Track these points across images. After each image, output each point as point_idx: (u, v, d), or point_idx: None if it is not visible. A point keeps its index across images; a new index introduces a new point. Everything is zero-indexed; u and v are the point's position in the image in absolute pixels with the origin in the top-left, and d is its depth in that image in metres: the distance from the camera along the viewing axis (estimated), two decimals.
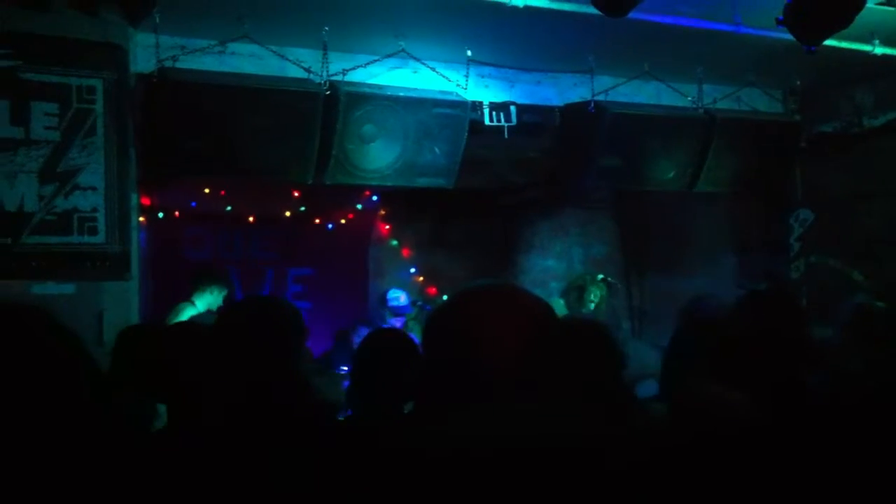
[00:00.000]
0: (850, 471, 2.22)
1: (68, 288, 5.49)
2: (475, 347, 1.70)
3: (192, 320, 6.48)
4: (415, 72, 6.67)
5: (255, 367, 2.44)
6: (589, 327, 3.35)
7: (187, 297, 7.12)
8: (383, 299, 8.10)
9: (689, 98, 7.45)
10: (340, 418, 3.66)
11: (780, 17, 5.13)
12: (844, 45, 6.33)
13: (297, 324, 2.71)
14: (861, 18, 5.14)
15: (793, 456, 2.11)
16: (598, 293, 7.64)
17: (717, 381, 2.25)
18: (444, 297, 9.38)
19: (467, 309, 1.78)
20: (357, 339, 7.85)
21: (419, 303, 8.79)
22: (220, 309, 6.94)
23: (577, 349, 2.34)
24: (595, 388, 2.22)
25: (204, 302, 7.14)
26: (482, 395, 1.65)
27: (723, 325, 2.54)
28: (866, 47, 6.64)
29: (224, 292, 7.31)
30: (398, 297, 7.98)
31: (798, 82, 7.90)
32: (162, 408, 4.19)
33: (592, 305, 7.58)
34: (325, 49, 6.05)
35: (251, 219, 8.80)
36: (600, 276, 8.42)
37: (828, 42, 5.49)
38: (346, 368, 6.78)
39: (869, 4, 5.44)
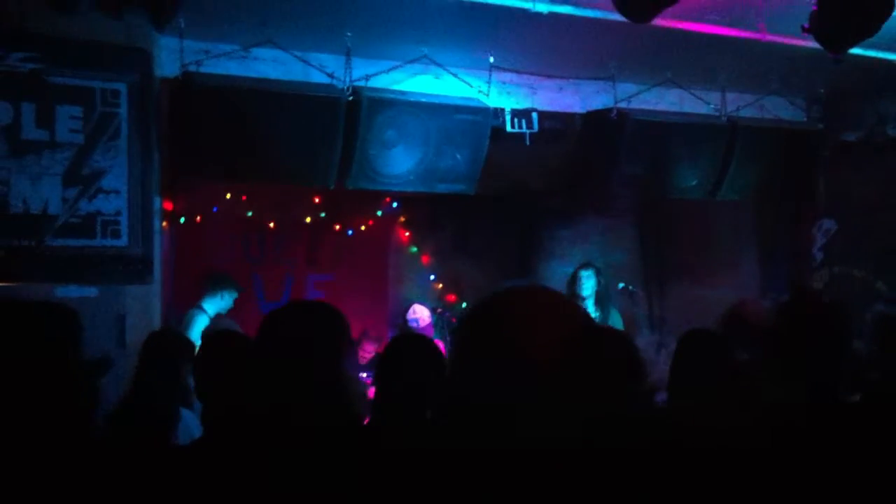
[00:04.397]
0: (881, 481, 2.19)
1: (91, 291, 5.51)
2: (515, 349, 1.65)
3: (214, 328, 6.48)
4: (437, 77, 6.67)
5: (302, 374, 2.41)
6: (612, 336, 3.32)
7: (196, 304, 7.10)
8: (405, 318, 8.10)
9: (712, 105, 7.42)
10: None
11: (806, 24, 5.10)
12: (870, 53, 6.29)
13: (345, 331, 2.65)
14: (887, 27, 5.10)
15: (827, 462, 2.09)
16: (590, 275, 7.59)
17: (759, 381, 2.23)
18: (464, 305, 9.39)
19: (507, 310, 1.73)
20: (364, 354, 7.85)
21: (439, 309, 8.78)
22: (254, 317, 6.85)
23: (604, 359, 2.31)
24: (619, 398, 2.19)
25: (213, 306, 7.07)
26: (520, 398, 1.61)
27: (767, 326, 2.51)
28: (892, 56, 6.60)
29: (234, 295, 7.23)
30: (418, 319, 7.96)
31: (822, 91, 7.85)
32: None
33: (586, 291, 7.53)
34: (348, 54, 6.06)
35: (272, 224, 8.80)
36: (621, 285, 8.38)
37: (853, 50, 5.46)
38: (364, 375, 6.78)
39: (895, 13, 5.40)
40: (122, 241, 5.63)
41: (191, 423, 4.15)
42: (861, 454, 2.17)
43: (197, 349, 4.36)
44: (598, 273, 7.67)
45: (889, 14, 4.95)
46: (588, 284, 7.56)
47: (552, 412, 1.57)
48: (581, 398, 1.67)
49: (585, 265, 7.77)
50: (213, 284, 7.18)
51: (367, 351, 7.90)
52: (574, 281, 7.63)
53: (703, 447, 2.09)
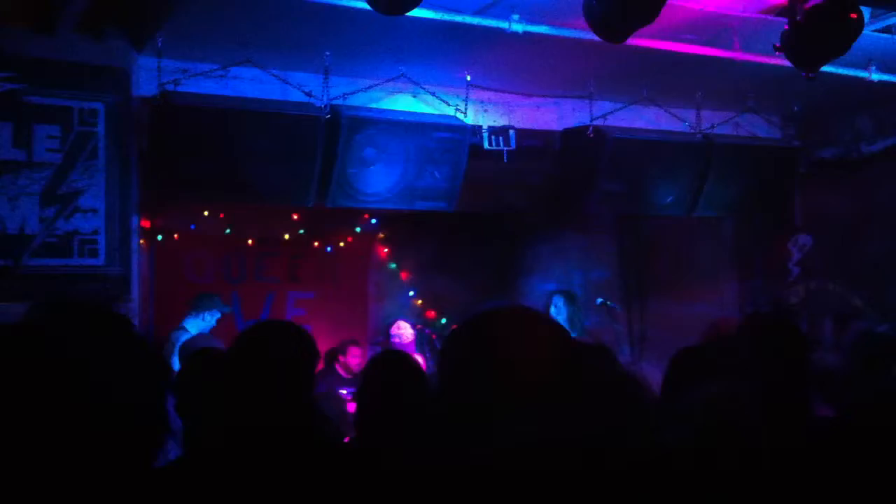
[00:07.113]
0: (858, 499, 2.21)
1: None
2: (499, 370, 1.67)
3: (191, 344, 6.46)
4: (415, 96, 6.71)
5: (269, 392, 2.43)
6: (595, 351, 3.36)
7: (179, 324, 7.07)
8: (387, 333, 8.09)
9: (688, 123, 7.49)
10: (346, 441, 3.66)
11: (778, 43, 5.18)
12: (842, 71, 6.37)
13: (311, 348, 2.69)
14: (858, 45, 5.18)
15: (799, 482, 2.11)
16: (560, 302, 7.56)
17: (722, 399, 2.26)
18: (444, 321, 9.40)
19: (490, 331, 1.75)
20: (351, 360, 7.85)
21: (419, 326, 8.79)
22: (236, 334, 6.78)
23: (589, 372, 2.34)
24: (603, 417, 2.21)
25: (195, 326, 7.05)
26: (505, 417, 1.63)
27: (727, 344, 2.58)
28: (863, 74, 6.69)
29: (217, 315, 7.21)
30: (401, 335, 7.96)
31: (797, 108, 7.93)
32: None
33: (555, 312, 7.48)
34: (326, 73, 6.08)
35: (251, 242, 8.80)
36: (599, 300, 8.41)
37: (825, 68, 5.54)
38: (344, 392, 6.78)
39: (865, 31, 5.48)
40: (100, 261, 5.62)
41: (167, 446, 4.14)
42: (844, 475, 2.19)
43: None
44: (571, 300, 7.64)
45: (859, 33, 5.02)
46: (560, 313, 7.51)
47: (538, 434, 1.59)
48: (566, 419, 1.69)
49: (558, 292, 7.76)
50: (196, 304, 7.17)
51: (354, 355, 7.87)
52: (547, 306, 7.62)
53: (685, 470, 2.11)
